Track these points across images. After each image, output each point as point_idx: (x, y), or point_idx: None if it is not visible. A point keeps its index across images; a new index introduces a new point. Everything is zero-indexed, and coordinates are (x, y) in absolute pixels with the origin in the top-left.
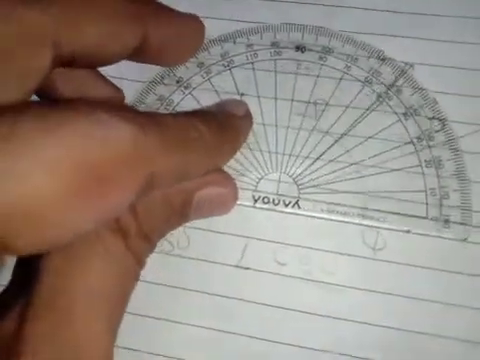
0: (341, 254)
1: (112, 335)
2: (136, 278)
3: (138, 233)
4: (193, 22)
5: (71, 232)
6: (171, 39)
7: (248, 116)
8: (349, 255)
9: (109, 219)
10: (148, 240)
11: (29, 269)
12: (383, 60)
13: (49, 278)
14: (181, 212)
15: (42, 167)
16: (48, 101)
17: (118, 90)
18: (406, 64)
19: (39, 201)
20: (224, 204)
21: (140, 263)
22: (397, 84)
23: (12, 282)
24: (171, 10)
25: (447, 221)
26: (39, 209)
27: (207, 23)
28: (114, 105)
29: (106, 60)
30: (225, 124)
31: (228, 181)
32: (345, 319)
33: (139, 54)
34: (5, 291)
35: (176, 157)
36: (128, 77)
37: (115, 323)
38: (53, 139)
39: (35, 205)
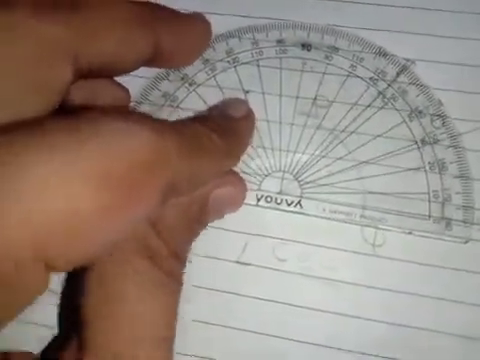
0: (341, 250)
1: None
2: (177, 296)
3: (168, 253)
4: (201, 23)
5: (105, 243)
6: (181, 43)
7: (250, 116)
8: (349, 251)
9: (136, 226)
10: (177, 257)
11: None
12: (385, 57)
13: (94, 320)
14: (199, 219)
15: (76, 182)
16: (70, 114)
17: (125, 90)
18: (407, 60)
19: (77, 216)
20: (236, 202)
21: (178, 281)
22: (398, 80)
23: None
24: (180, 14)
25: (449, 223)
26: (77, 224)
27: (212, 19)
28: (132, 112)
29: (121, 70)
30: (230, 129)
31: (238, 180)
32: (345, 315)
33: (151, 60)
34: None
35: (191, 163)
36: (131, 73)
37: (170, 343)
38: (83, 153)
39: (74, 220)
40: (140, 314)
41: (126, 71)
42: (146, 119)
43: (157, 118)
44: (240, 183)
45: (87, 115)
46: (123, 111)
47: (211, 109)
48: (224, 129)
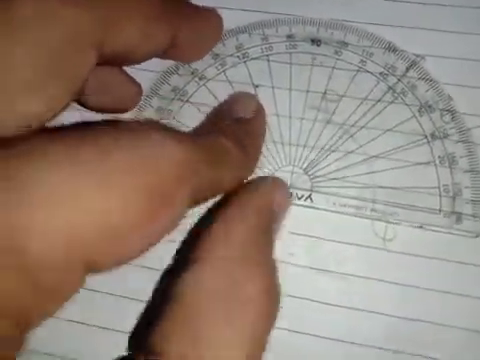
0: (351, 244)
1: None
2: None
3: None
4: (215, 17)
5: (142, 248)
6: (196, 36)
7: (261, 112)
8: (359, 245)
9: (168, 232)
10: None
11: None
12: (395, 52)
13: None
14: (271, 229)
15: (115, 191)
16: (102, 121)
17: (137, 85)
18: (417, 56)
19: (120, 222)
20: (288, 202)
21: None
22: (408, 75)
23: None
24: (198, 8)
25: (459, 217)
26: (114, 226)
27: (222, 14)
28: (156, 123)
29: (138, 60)
30: (244, 134)
31: (282, 181)
32: (354, 308)
33: (166, 53)
34: None
35: (214, 172)
36: (141, 67)
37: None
38: (119, 164)
39: (110, 224)
40: (221, 337)
41: (140, 61)
42: (172, 131)
43: (178, 129)
44: (284, 183)
45: (121, 124)
46: (146, 122)
47: (221, 108)
48: (238, 136)
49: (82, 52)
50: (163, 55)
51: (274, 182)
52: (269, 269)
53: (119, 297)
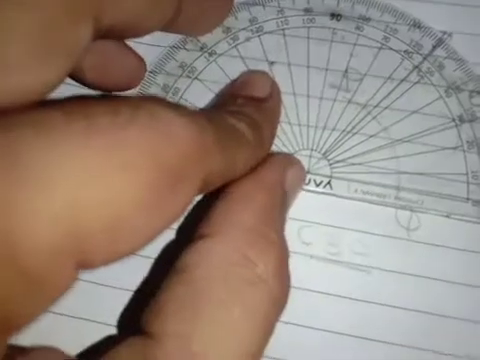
0: (372, 234)
1: None
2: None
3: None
4: None
5: (147, 238)
6: (203, 7)
7: (276, 91)
8: (381, 235)
9: (176, 219)
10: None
11: None
12: (420, 28)
13: (169, 323)
14: (283, 208)
15: (119, 171)
16: (102, 96)
17: (140, 59)
18: (444, 33)
19: (119, 209)
20: (303, 181)
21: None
22: (435, 54)
23: None
24: None
25: None
26: (120, 218)
27: None
28: (169, 102)
29: (141, 32)
30: (259, 116)
31: (295, 158)
32: (375, 303)
33: (171, 25)
34: None
35: (227, 155)
36: (146, 41)
37: None
38: (129, 139)
39: (116, 214)
40: (227, 317)
41: (143, 34)
42: (185, 110)
43: (194, 109)
44: (298, 161)
45: (129, 99)
46: (152, 99)
47: (233, 88)
48: (253, 117)
49: (76, 25)
50: (167, 27)
51: (287, 159)
52: (282, 251)
53: (111, 288)
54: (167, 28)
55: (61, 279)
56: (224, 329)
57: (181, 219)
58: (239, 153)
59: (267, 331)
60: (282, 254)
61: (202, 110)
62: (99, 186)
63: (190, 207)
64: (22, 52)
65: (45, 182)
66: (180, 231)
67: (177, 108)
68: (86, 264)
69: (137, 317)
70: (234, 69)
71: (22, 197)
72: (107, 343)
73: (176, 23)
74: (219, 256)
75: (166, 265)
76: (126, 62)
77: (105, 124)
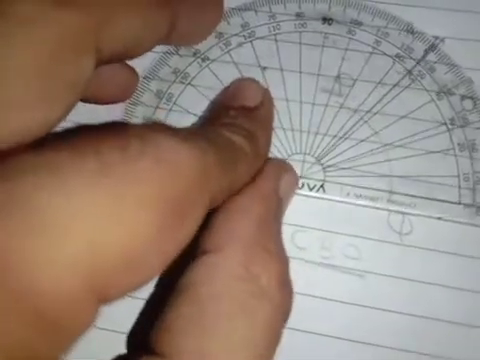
0: (365, 238)
1: None
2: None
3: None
4: None
5: (161, 265)
6: (196, 20)
7: (268, 99)
8: (374, 240)
9: (184, 244)
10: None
11: None
12: (412, 33)
13: (179, 339)
14: (277, 217)
15: (133, 208)
16: (106, 126)
17: (132, 70)
18: (436, 38)
19: (135, 243)
20: (296, 187)
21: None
22: (427, 59)
23: None
24: None
25: None
26: (135, 252)
27: None
28: (169, 127)
29: (138, 53)
30: (253, 127)
31: (287, 164)
32: (369, 307)
33: (166, 39)
34: None
35: (228, 172)
36: None
37: None
38: (136, 174)
39: (132, 249)
40: (236, 331)
41: (140, 54)
42: (186, 134)
43: (189, 130)
44: (291, 167)
45: (135, 130)
46: (154, 126)
47: (225, 97)
48: (248, 128)
49: (79, 58)
50: (164, 41)
51: (280, 166)
52: (283, 260)
53: None
54: (162, 42)
55: (83, 318)
56: (233, 342)
57: None
58: (239, 167)
59: (274, 340)
60: (282, 264)
61: (199, 120)
62: (114, 226)
63: None
64: (22, 90)
65: (60, 227)
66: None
67: (178, 134)
68: (105, 300)
69: (145, 330)
70: (227, 75)
71: (36, 245)
72: None
73: (170, 38)
74: (223, 272)
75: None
76: (118, 74)
77: (116, 161)
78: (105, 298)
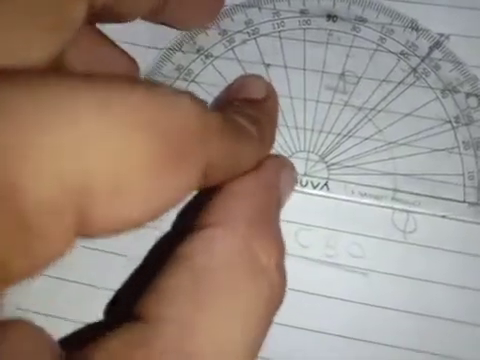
0: (369, 237)
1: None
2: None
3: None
4: None
5: (147, 211)
6: None
7: (273, 93)
8: (378, 238)
9: (178, 202)
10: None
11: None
12: (417, 31)
13: (167, 312)
14: (277, 208)
15: (127, 130)
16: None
17: (132, 61)
18: (441, 35)
19: (122, 169)
20: (294, 184)
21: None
22: (431, 56)
23: None
24: None
25: None
26: (121, 178)
27: None
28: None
29: (130, 11)
30: (258, 115)
31: (288, 160)
32: (371, 304)
33: (159, 12)
34: None
35: (230, 146)
36: (142, 43)
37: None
38: (134, 100)
39: (117, 173)
40: (229, 306)
41: (132, 16)
42: (191, 94)
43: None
44: (291, 163)
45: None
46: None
47: (229, 91)
48: (252, 115)
49: (75, 1)
50: (156, 15)
51: (280, 161)
52: (282, 247)
53: (104, 252)
54: (156, 16)
55: (60, 236)
56: (225, 317)
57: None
58: (243, 146)
59: (266, 323)
60: (281, 250)
61: None
62: (104, 144)
63: (188, 201)
64: (17, 31)
65: (54, 143)
66: (176, 227)
67: (184, 92)
68: (86, 227)
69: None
70: (230, 72)
71: (29, 149)
72: (93, 330)
73: (164, 11)
74: (223, 245)
75: (160, 257)
76: (118, 63)
77: (115, 92)
78: (86, 222)
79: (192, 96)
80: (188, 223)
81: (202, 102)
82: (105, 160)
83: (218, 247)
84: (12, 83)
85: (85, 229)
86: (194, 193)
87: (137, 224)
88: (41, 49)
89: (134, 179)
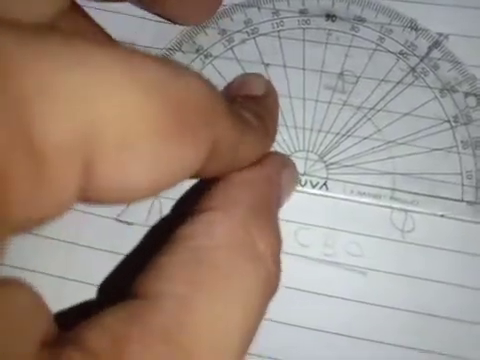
0: (368, 236)
1: None
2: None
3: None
4: None
5: (151, 179)
6: None
7: (272, 91)
8: (376, 237)
9: (181, 179)
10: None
11: None
12: (416, 30)
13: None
14: (278, 203)
15: (136, 89)
16: None
17: None
18: (440, 35)
19: (130, 126)
20: (296, 183)
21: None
22: (431, 56)
23: None
24: None
25: None
26: (128, 135)
27: None
28: None
29: None
30: (260, 109)
31: (290, 160)
32: (370, 303)
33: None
34: None
35: (234, 135)
36: (142, 43)
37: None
38: (147, 64)
39: (125, 128)
40: (226, 288)
41: None
42: (201, 74)
43: None
44: (292, 162)
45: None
46: None
47: (230, 91)
48: (256, 110)
49: None
50: (154, 3)
51: (282, 159)
52: (279, 239)
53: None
54: (154, 4)
55: (66, 183)
56: (224, 295)
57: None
58: (247, 137)
59: (262, 308)
60: (279, 242)
61: None
62: (117, 96)
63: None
64: None
65: (66, 74)
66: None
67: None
68: (91, 183)
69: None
70: (230, 71)
71: (46, 86)
72: (89, 306)
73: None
74: (223, 228)
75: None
76: None
77: (135, 49)
78: (91, 178)
79: (202, 76)
80: (188, 209)
81: (212, 84)
82: (116, 111)
83: (218, 230)
84: (31, 32)
85: (90, 185)
86: (194, 183)
87: (140, 192)
88: (40, 8)
89: (141, 140)
